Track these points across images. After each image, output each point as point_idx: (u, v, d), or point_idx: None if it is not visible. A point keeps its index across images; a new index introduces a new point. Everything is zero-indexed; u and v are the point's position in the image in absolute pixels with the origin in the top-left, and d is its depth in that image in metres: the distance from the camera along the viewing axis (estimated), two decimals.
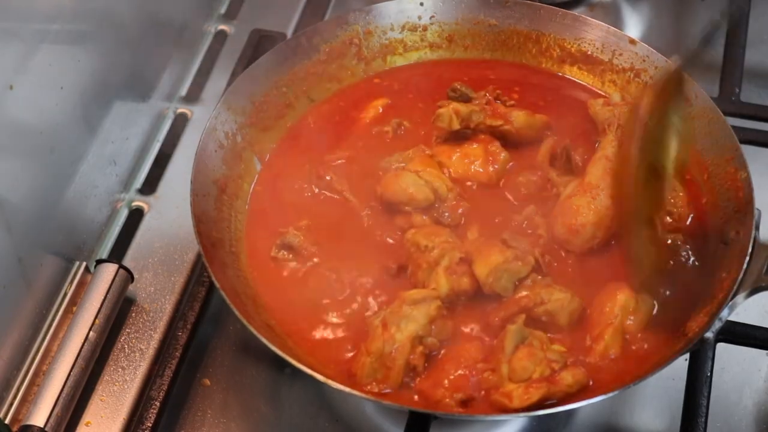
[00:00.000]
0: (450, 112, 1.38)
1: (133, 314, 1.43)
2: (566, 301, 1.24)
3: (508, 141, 1.40)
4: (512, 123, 1.40)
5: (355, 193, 1.37)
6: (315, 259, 1.31)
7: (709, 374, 1.28)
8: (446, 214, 1.33)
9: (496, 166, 1.38)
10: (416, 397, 1.20)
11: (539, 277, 1.27)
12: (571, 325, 1.25)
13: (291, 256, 1.32)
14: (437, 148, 1.40)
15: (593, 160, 1.36)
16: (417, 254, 1.28)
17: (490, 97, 1.41)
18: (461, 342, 1.23)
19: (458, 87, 1.42)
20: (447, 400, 1.18)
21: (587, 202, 1.31)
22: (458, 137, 1.40)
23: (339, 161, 1.41)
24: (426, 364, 1.21)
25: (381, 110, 1.47)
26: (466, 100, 1.42)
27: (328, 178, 1.38)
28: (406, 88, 1.50)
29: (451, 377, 1.20)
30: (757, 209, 1.28)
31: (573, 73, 1.50)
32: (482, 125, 1.39)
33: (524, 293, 1.25)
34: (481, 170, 1.38)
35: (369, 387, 1.19)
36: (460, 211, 1.34)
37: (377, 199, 1.36)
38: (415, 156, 1.38)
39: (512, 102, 1.44)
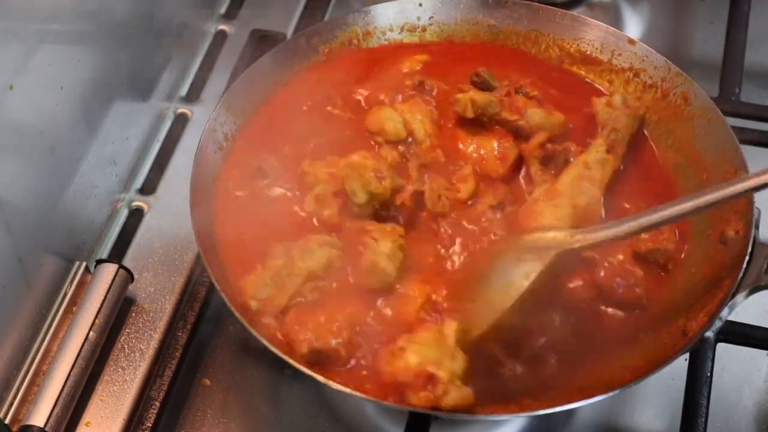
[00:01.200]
0: (467, 100, 1.38)
1: (133, 314, 1.43)
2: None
3: (522, 136, 1.39)
4: (527, 120, 1.39)
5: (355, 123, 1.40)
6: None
7: (709, 374, 1.28)
8: (412, 151, 1.35)
9: (504, 164, 1.37)
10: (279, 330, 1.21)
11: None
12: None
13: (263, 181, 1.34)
14: (454, 131, 1.41)
15: (572, 164, 1.35)
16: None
17: (510, 89, 1.41)
18: (342, 295, 1.24)
19: (481, 73, 1.41)
20: (302, 345, 1.18)
21: (549, 209, 1.30)
22: (475, 124, 1.40)
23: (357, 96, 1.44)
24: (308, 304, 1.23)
25: (420, 67, 1.47)
26: (487, 87, 1.41)
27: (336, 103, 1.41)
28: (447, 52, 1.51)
29: (320, 324, 1.20)
30: (757, 209, 1.28)
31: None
32: (497, 117, 1.39)
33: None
34: (490, 164, 1.37)
35: (252, 302, 1.21)
36: (430, 156, 1.36)
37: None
38: (413, 102, 1.40)
39: (535, 92, 1.43)
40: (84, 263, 1.43)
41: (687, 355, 1.31)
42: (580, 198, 1.31)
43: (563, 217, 1.29)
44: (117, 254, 1.50)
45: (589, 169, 1.33)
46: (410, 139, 1.37)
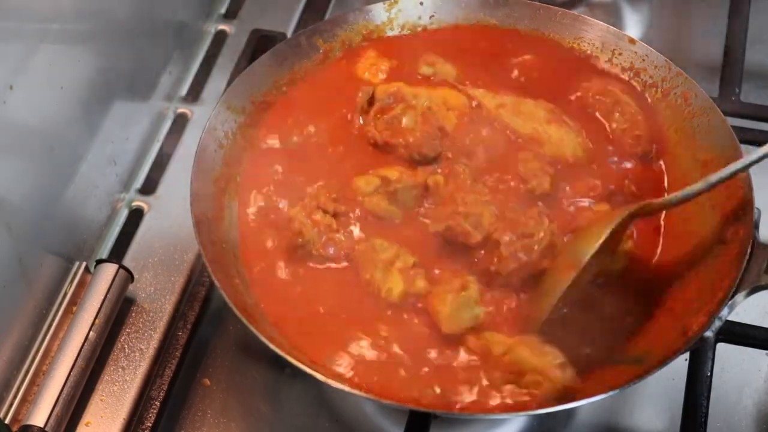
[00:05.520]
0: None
1: (133, 314, 1.43)
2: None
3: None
4: None
5: None
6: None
7: (709, 374, 1.29)
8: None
9: None
10: None
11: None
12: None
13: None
14: None
15: (501, 109, 1.40)
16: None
17: None
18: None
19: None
20: None
21: (553, 129, 1.38)
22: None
23: None
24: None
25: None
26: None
27: None
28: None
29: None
30: (757, 209, 1.28)
31: None
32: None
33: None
34: None
35: None
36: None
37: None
38: None
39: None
40: (84, 263, 1.43)
41: (687, 355, 1.31)
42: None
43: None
44: (117, 254, 1.50)
45: (503, 100, 1.42)
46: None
